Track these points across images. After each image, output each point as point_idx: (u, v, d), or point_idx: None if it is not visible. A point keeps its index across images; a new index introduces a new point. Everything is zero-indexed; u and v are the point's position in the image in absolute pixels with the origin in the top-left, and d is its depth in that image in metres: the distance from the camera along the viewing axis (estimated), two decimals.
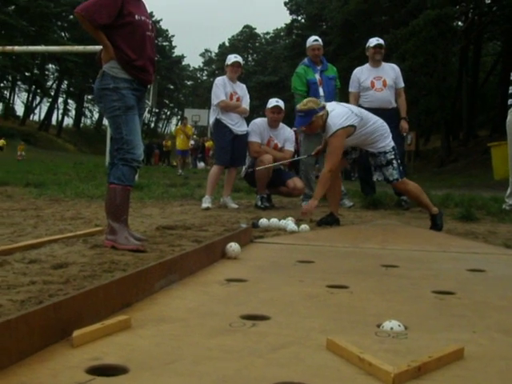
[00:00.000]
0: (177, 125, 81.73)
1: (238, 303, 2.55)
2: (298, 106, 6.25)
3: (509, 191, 8.49)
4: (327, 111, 6.07)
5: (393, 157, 6.12)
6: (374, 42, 8.83)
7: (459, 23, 33.39)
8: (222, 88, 7.95)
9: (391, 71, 8.77)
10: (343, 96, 10.19)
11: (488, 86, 39.14)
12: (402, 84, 8.68)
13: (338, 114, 6.05)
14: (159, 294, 2.66)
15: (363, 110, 6.44)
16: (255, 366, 1.74)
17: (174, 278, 2.88)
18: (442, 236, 5.59)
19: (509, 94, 8.34)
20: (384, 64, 8.78)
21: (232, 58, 8.18)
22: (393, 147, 6.17)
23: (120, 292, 2.33)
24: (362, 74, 8.78)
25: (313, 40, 8.90)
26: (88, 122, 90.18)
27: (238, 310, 2.40)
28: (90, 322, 2.01)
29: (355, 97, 8.78)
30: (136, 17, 4.44)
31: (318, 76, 8.65)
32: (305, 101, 6.25)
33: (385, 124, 6.29)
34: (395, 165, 6.10)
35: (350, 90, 8.89)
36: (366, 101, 8.59)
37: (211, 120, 8.15)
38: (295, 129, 9.20)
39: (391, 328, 2.17)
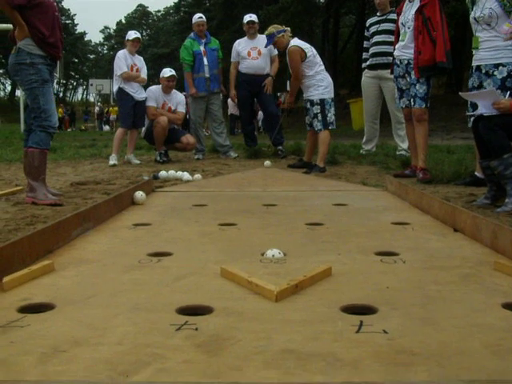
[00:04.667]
0: (83, 94, 79.10)
1: (144, 243, 2.56)
2: (265, 32, 7.15)
3: (364, 139, 8.80)
4: (288, 34, 6.80)
5: (318, 111, 6.48)
6: (247, 18, 8.94)
7: (321, 0, 33.69)
8: (124, 60, 7.80)
9: (265, 41, 8.80)
10: (225, 64, 10.15)
11: (346, 52, 39.79)
12: (275, 52, 8.74)
13: (299, 41, 6.71)
14: (77, 240, 2.63)
15: (317, 54, 6.73)
16: (162, 294, 1.78)
17: (88, 226, 2.85)
18: (312, 178, 5.74)
19: (362, 59, 8.55)
20: (259, 36, 8.78)
21: (132, 35, 8.00)
22: (321, 99, 6.48)
23: (42, 241, 2.30)
24: (240, 45, 8.84)
25: (198, 17, 8.89)
26: (1, 93, 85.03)
27: (145, 249, 2.42)
28: (18, 268, 1.98)
29: (235, 65, 8.89)
30: None
31: (202, 48, 8.67)
32: (269, 27, 7.00)
33: (326, 77, 6.62)
34: (320, 118, 6.49)
35: (232, 59, 8.96)
36: (243, 67, 8.67)
37: (115, 88, 8.00)
38: (185, 93, 9.15)
39: (273, 255, 2.25)
